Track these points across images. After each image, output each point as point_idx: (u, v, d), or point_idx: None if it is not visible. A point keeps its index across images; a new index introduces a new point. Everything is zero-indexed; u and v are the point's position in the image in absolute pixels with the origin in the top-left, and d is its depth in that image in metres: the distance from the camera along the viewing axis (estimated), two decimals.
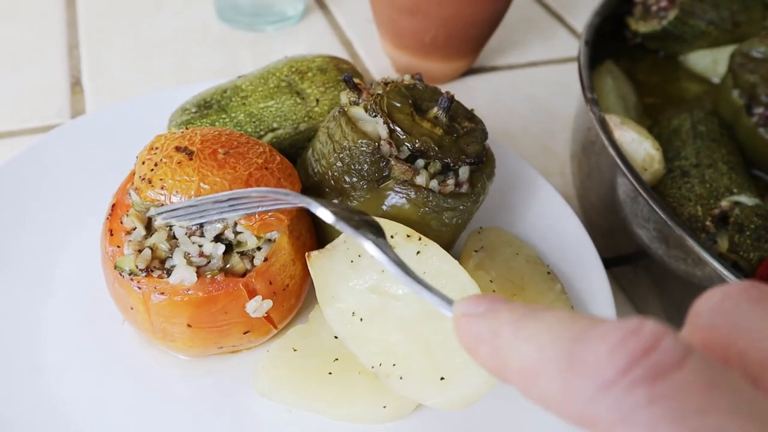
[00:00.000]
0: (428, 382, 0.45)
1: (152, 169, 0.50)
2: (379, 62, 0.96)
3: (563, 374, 0.22)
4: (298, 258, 0.54)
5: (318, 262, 0.52)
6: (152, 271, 0.48)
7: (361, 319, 0.49)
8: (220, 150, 0.51)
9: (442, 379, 0.45)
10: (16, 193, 0.63)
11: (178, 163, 0.49)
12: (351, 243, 0.52)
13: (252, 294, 0.50)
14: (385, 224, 0.50)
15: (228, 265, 0.50)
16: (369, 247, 0.39)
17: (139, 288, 0.49)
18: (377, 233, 0.40)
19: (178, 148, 0.50)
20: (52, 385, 0.51)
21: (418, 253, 0.49)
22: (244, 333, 0.52)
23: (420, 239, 0.50)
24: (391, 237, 0.50)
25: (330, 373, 0.50)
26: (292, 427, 0.51)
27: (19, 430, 0.48)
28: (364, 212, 0.43)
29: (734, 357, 0.23)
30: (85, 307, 0.56)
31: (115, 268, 0.49)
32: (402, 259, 0.38)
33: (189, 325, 0.50)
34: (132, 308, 0.50)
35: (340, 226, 0.41)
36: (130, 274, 0.49)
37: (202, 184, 0.48)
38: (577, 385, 0.21)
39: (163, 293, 0.48)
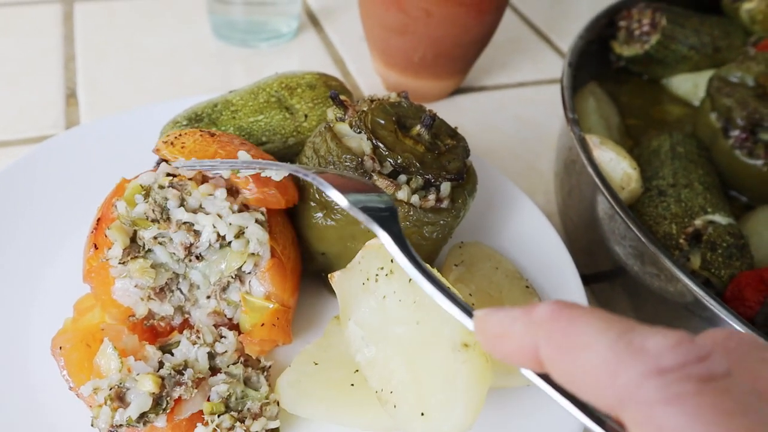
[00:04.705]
0: (413, 415, 0.45)
1: (177, 137, 0.57)
2: (371, 80, 0.98)
3: (614, 350, 0.26)
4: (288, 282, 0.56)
5: (341, 281, 0.52)
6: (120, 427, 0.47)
7: (368, 342, 0.49)
8: (235, 140, 0.59)
9: (422, 414, 0.44)
10: (8, 201, 0.64)
11: (201, 135, 0.57)
12: (365, 264, 0.51)
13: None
14: (378, 254, 0.50)
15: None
16: (386, 241, 0.40)
17: None
18: (393, 222, 0.41)
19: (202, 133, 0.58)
20: (37, 392, 0.52)
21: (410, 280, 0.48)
22: None
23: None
24: (380, 268, 0.49)
25: (352, 385, 0.51)
26: None
27: None
28: (380, 190, 0.46)
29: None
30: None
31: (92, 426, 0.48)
32: (419, 260, 0.39)
33: None
34: None
35: (354, 213, 0.42)
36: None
37: (218, 149, 0.55)
38: (628, 363, 0.25)
39: None
